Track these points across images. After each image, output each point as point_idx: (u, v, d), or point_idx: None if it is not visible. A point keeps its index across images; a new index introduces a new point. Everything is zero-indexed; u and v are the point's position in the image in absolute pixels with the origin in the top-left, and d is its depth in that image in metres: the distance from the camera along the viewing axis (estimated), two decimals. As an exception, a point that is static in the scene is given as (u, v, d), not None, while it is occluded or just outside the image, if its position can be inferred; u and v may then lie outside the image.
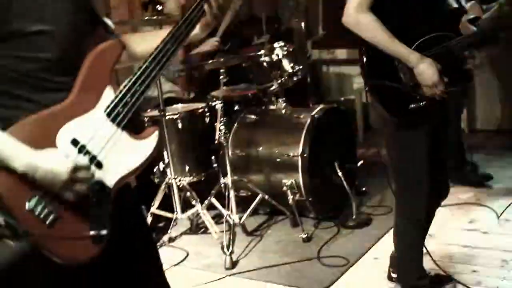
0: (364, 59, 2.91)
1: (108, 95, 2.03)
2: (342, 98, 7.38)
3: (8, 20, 1.89)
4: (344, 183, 4.57)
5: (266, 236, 4.54)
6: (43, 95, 1.97)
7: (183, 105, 5.07)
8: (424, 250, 3.25)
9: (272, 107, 5.10)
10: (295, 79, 5.03)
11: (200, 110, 4.86)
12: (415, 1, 2.87)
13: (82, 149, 1.94)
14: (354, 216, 4.48)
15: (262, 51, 4.97)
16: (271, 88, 5.00)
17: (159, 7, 4.80)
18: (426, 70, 2.79)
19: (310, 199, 4.50)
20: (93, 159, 1.95)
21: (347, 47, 7.14)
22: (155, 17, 4.75)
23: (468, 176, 5.01)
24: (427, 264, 3.36)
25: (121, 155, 2.02)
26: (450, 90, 2.85)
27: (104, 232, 1.93)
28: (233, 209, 4.48)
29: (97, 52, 2.04)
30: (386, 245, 3.90)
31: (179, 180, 4.60)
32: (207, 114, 4.85)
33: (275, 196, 4.60)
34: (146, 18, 4.93)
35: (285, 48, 5.04)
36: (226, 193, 4.51)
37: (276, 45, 5.03)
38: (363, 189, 5.07)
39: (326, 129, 4.73)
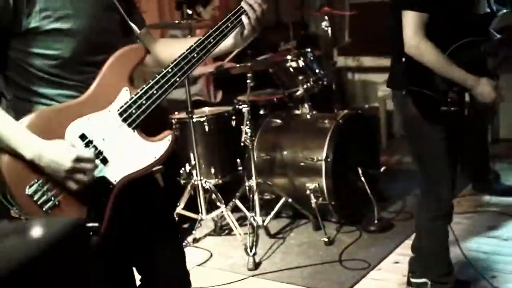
0: (403, 67, 3.01)
1: (124, 96, 2.10)
2: (367, 105, 7.41)
3: (27, 17, 1.98)
4: (367, 188, 4.61)
5: (288, 238, 4.59)
6: (60, 91, 2.07)
7: (210, 108, 5.14)
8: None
9: (297, 111, 5.13)
10: (320, 85, 5.09)
11: (227, 114, 4.92)
12: (445, 10, 2.94)
13: (88, 144, 2.03)
14: (375, 221, 4.52)
15: (289, 57, 5.02)
16: (297, 93, 5.04)
17: (190, 12, 4.86)
18: (484, 90, 2.94)
19: (332, 203, 4.54)
20: (99, 154, 2.04)
21: (373, 54, 7.17)
22: (184, 21, 4.79)
23: (491, 185, 5.04)
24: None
25: (130, 154, 2.09)
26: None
27: (96, 225, 2.00)
28: (257, 211, 4.53)
29: (118, 54, 2.12)
30: (407, 250, 3.94)
31: (205, 182, 4.63)
32: (234, 117, 4.91)
33: (298, 200, 4.65)
34: (176, 22, 4.99)
35: (311, 54, 5.10)
36: (251, 196, 4.56)
37: (302, 51, 5.09)
38: (385, 195, 5.10)
39: (350, 134, 4.78)
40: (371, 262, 4.03)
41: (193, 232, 4.71)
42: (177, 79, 2.14)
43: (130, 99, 2.10)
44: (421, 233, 3.40)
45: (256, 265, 4.15)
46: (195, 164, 4.63)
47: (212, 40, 2.20)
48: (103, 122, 2.07)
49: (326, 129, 4.66)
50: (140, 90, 2.11)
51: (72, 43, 2.04)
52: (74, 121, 2.03)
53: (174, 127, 4.81)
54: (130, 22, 2.24)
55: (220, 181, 4.84)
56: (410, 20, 2.89)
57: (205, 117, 4.79)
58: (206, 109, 5.10)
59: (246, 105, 4.58)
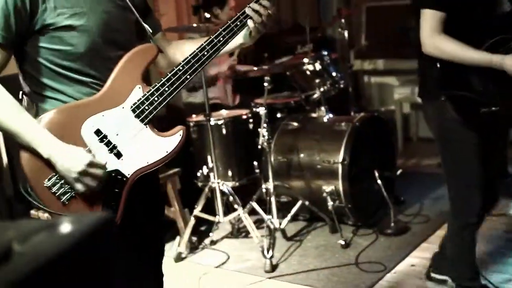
0: (437, 72, 3.01)
1: (137, 93, 2.19)
2: (383, 108, 7.41)
3: (42, 13, 2.06)
4: (383, 191, 4.62)
5: (305, 241, 4.61)
6: (77, 87, 2.16)
7: (228, 111, 5.17)
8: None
9: (314, 114, 5.14)
10: (337, 88, 5.11)
11: (244, 116, 4.94)
12: (468, 10, 2.95)
13: (103, 139, 2.12)
14: (392, 224, 4.52)
15: (306, 60, 5.04)
16: (314, 96, 5.05)
17: (208, 15, 4.90)
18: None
19: (349, 206, 4.55)
20: (113, 148, 2.14)
21: (389, 57, 7.18)
22: (201, 24, 4.82)
23: (508, 187, 5.03)
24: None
25: (142, 149, 2.18)
26: None
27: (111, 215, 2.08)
28: (274, 214, 4.54)
29: (131, 53, 2.20)
30: (423, 253, 3.97)
31: (222, 184, 4.65)
32: (251, 120, 4.93)
33: (315, 202, 4.67)
34: (194, 25, 5.02)
35: (328, 57, 5.13)
36: (267, 198, 4.59)
37: (319, 54, 5.12)
38: (402, 198, 5.10)
39: (366, 137, 4.80)
40: (388, 265, 4.05)
41: (211, 234, 4.75)
42: (188, 77, 2.23)
43: (142, 96, 2.19)
44: (451, 236, 3.40)
45: (273, 268, 4.17)
46: (213, 166, 4.66)
47: (221, 39, 2.28)
48: (117, 118, 2.16)
49: (343, 132, 4.67)
50: (152, 88, 2.20)
51: (86, 37, 2.12)
52: (90, 117, 2.13)
53: (191, 130, 4.85)
54: (144, 24, 2.31)
55: (237, 184, 4.85)
56: (428, 18, 2.90)
57: (223, 120, 4.82)
58: (224, 112, 5.12)
59: (263, 108, 4.60)
